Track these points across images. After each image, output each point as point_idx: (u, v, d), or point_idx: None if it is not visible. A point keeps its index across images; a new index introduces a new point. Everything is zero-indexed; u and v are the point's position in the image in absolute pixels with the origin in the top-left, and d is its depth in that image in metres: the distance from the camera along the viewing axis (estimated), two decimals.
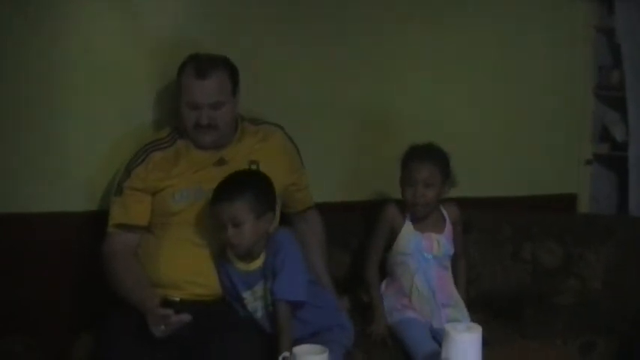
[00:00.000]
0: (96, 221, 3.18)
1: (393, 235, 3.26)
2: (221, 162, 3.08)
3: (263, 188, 2.89)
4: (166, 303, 2.72)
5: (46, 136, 3.29)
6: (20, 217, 3.28)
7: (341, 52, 3.60)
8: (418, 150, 3.22)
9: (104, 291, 2.95)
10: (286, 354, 2.65)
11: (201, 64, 3.02)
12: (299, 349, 2.53)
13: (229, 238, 2.82)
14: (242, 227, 2.80)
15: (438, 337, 2.95)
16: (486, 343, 2.63)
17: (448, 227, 3.29)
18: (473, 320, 3.00)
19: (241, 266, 2.92)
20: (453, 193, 3.33)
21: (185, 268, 2.96)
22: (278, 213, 3.12)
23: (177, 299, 2.75)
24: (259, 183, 2.90)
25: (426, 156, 3.20)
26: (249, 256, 2.90)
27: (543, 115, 3.96)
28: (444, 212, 3.30)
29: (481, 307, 3.36)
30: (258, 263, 2.90)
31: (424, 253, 3.22)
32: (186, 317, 2.67)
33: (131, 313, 2.81)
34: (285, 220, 3.24)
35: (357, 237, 3.51)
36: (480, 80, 3.87)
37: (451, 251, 3.28)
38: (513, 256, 3.65)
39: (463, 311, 3.21)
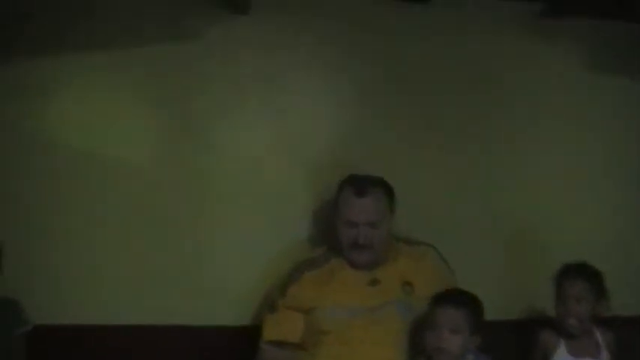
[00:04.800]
0: (248, 336, 3.21)
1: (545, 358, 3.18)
2: (374, 282, 3.08)
3: (481, 310, 2.94)
4: None
5: (201, 251, 3.38)
6: (175, 330, 3.34)
7: (486, 166, 3.61)
8: (571, 267, 3.19)
9: None
10: None
11: (360, 183, 3.07)
12: None
13: (441, 342, 2.83)
14: (457, 336, 2.83)
15: None
16: None
17: (604, 354, 3.18)
18: None
19: None
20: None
21: None
22: None
23: None
24: (480, 305, 2.95)
25: (578, 272, 3.17)
26: None
27: None
28: (599, 337, 3.20)
29: None
30: None
31: None
32: None
33: None
34: None
35: (511, 357, 3.42)
36: (626, 190, 3.76)
37: None
38: None
39: None
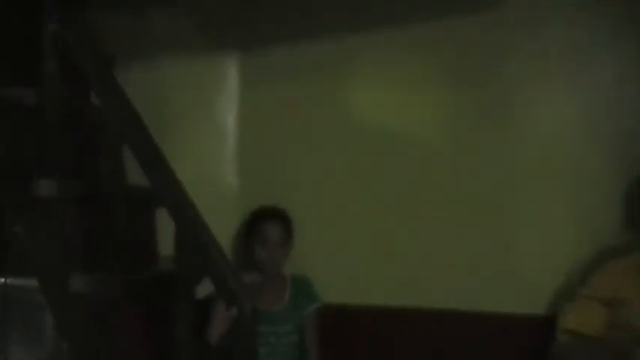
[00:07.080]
0: (540, 325, 3.07)
1: None
2: None
3: None
4: None
5: (498, 234, 3.26)
6: (468, 315, 3.26)
7: None
8: None
9: None
10: None
11: None
12: None
13: None
14: None
15: None
16: None
17: None
18: None
19: None
20: None
21: None
22: None
23: None
24: None
25: None
26: None
27: None
28: None
29: None
30: None
31: None
32: None
33: None
34: None
35: None
36: None
37: None
38: None
39: None
